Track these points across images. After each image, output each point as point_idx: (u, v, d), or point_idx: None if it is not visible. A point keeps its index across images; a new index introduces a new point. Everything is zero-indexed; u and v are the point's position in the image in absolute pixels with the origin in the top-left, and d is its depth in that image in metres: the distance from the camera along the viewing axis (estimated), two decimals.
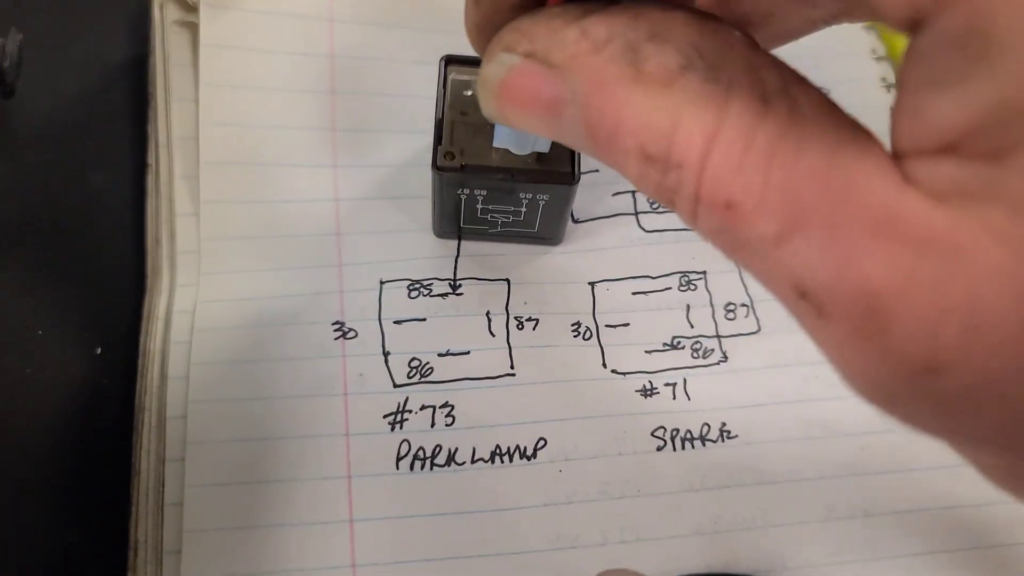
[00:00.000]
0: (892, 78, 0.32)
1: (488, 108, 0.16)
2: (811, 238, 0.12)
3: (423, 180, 0.25)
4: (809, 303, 0.13)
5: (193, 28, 0.28)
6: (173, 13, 0.29)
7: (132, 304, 0.27)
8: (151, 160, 0.28)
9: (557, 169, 0.24)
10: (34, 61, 0.28)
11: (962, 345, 0.11)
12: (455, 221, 0.26)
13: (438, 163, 0.24)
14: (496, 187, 0.24)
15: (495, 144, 0.24)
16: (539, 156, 0.24)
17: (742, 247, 0.13)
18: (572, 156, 0.24)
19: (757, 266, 0.13)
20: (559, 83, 0.15)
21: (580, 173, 0.24)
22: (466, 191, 0.25)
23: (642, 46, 0.14)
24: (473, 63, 0.25)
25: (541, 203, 0.25)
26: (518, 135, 0.23)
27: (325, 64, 0.29)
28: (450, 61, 0.25)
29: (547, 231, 0.27)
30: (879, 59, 0.32)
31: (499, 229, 0.27)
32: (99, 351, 0.27)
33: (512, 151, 0.24)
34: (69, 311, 0.27)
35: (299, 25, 0.29)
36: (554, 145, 0.24)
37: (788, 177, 0.13)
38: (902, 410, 0.13)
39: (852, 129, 0.13)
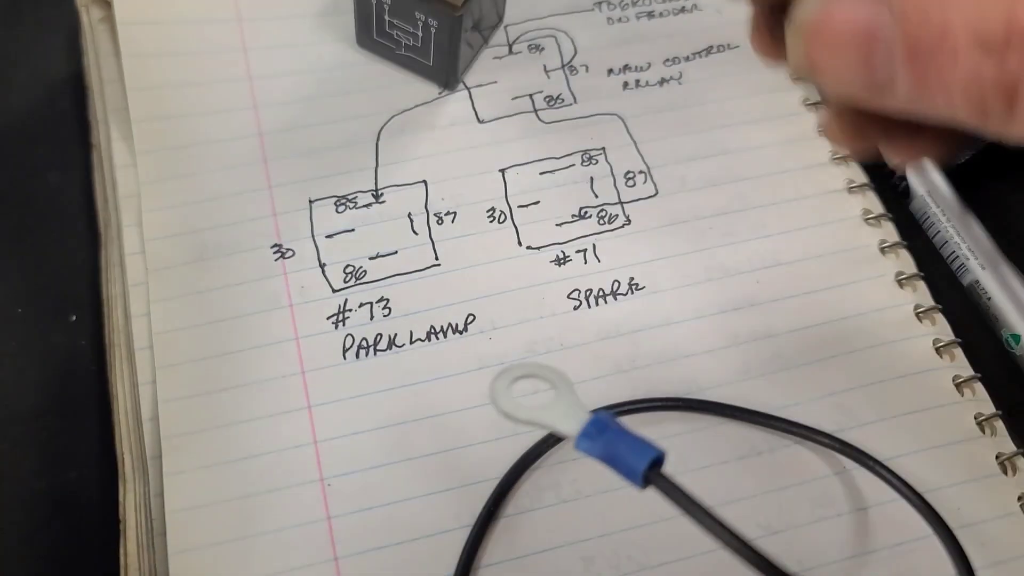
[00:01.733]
0: None
1: (799, 58, 0.16)
2: None
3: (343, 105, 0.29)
4: None
5: (112, 21, 0.31)
6: (97, 13, 0.32)
7: (94, 273, 0.30)
8: (95, 140, 0.30)
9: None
10: None
11: None
12: (369, 30, 0.30)
13: None
14: None
15: None
16: None
17: None
18: None
19: None
20: (873, 3, 0.15)
21: (470, 5, 0.28)
22: None
23: None
24: None
25: (432, 30, 0.29)
26: None
27: (234, 29, 0.32)
28: None
29: (440, 65, 0.30)
30: None
31: (403, 51, 0.30)
32: (73, 318, 0.29)
33: None
34: (42, 289, 0.30)
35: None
36: None
37: None
38: None
39: None
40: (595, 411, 0.19)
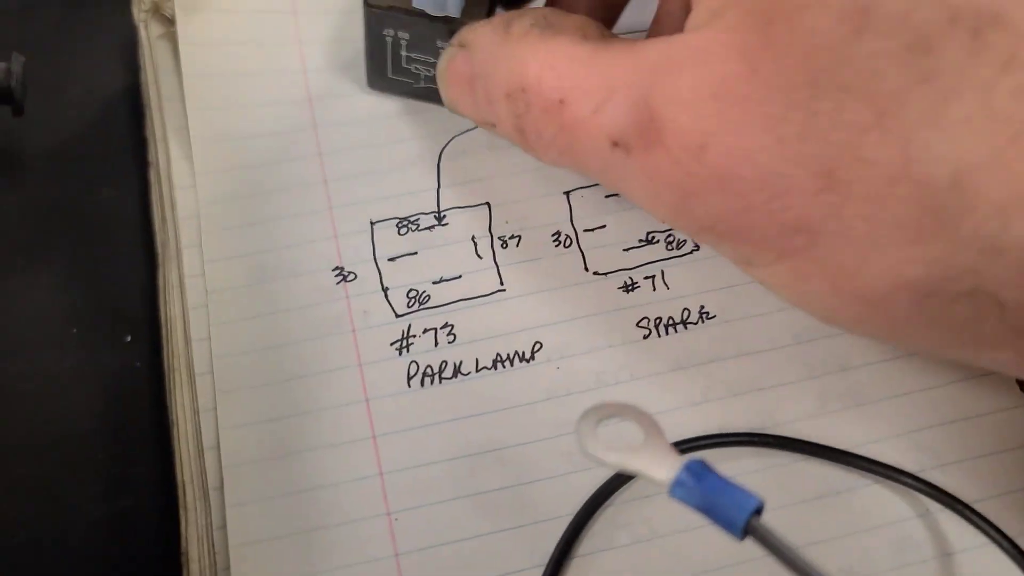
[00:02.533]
0: None
1: (443, 95, 0.25)
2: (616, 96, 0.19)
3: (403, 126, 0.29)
4: (620, 149, 0.19)
5: (174, 38, 0.31)
6: (156, 29, 0.31)
7: (150, 293, 0.29)
8: (151, 158, 0.30)
9: (471, 20, 0.27)
10: (38, 90, 0.30)
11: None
12: (383, 69, 0.29)
13: (369, 0, 0.27)
14: (416, 29, 0.27)
15: (414, 3, 0.27)
16: (449, 19, 0.27)
17: (573, 138, 0.20)
18: (488, 13, 0.27)
19: (582, 147, 0.21)
20: (469, 58, 0.23)
21: None
22: (391, 32, 0.27)
23: (512, 19, 0.22)
24: None
25: None
26: None
27: (295, 51, 0.31)
28: None
29: None
30: None
31: (422, 84, 0.29)
32: (128, 339, 0.29)
33: (427, 11, 0.27)
34: (97, 308, 0.29)
35: (266, 20, 0.32)
36: (464, 11, 0.27)
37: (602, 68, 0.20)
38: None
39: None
40: (686, 457, 0.19)
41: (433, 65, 0.28)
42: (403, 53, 0.28)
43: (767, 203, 0.18)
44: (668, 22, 0.24)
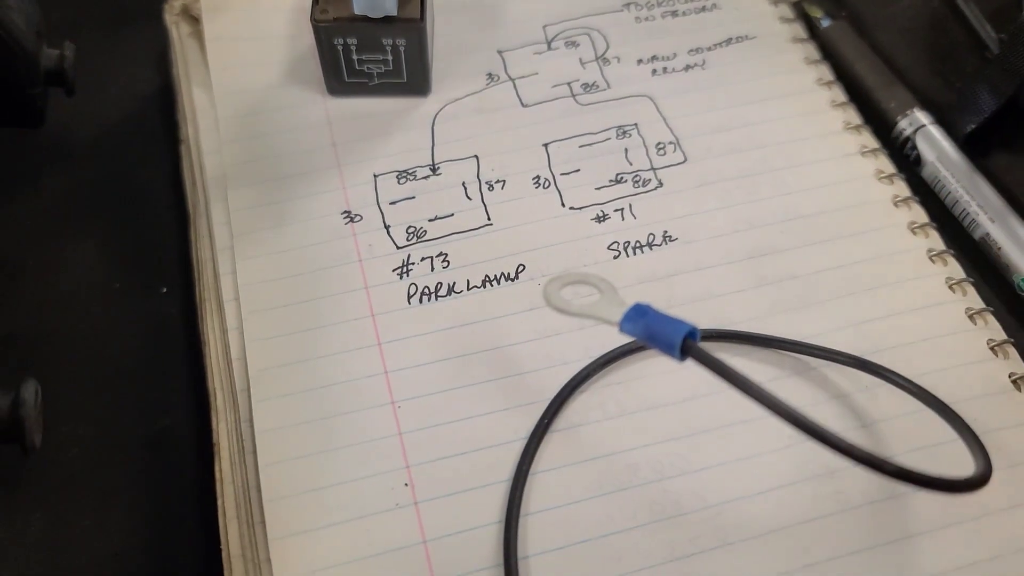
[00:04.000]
0: None
1: None
2: None
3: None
4: None
5: (200, 35, 0.36)
6: (185, 28, 0.37)
7: (181, 252, 0.34)
8: (182, 135, 0.35)
9: (407, 16, 0.32)
10: (85, 87, 0.34)
11: None
12: (340, 74, 0.33)
13: (315, 17, 0.32)
14: (362, 33, 0.32)
15: (356, 11, 0.31)
16: (389, 18, 0.31)
17: None
18: (421, 6, 0.32)
19: None
20: None
21: (428, 17, 0.32)
22: (340, 40, 0.32)
23: None
24: None
25: (402, 48, 0.32)
26: (371, 2, 0.31)
27: (305, 41, 0.36)
28: None
29: (414, 78, 0.34)
30: None
31: (376, 81, 0.34)
32: (164, 291, 0.33)
33: (368, 15, 0.31)
34: (136, 267, 0.34)
35: (280, 16, 0.37)
36: (400, 5, 0.31)
37: None
38: None
39: None
40: (632, 301, 0.22)
41: (384, 62, 0.33)
42: (354, 57, 0.33)
43: None
44: None
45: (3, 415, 0.22)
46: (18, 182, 0.36)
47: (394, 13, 0.31)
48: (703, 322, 0.28)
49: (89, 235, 0.35)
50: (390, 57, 0.33)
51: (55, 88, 0.33)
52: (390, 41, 0.32)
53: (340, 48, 0.33)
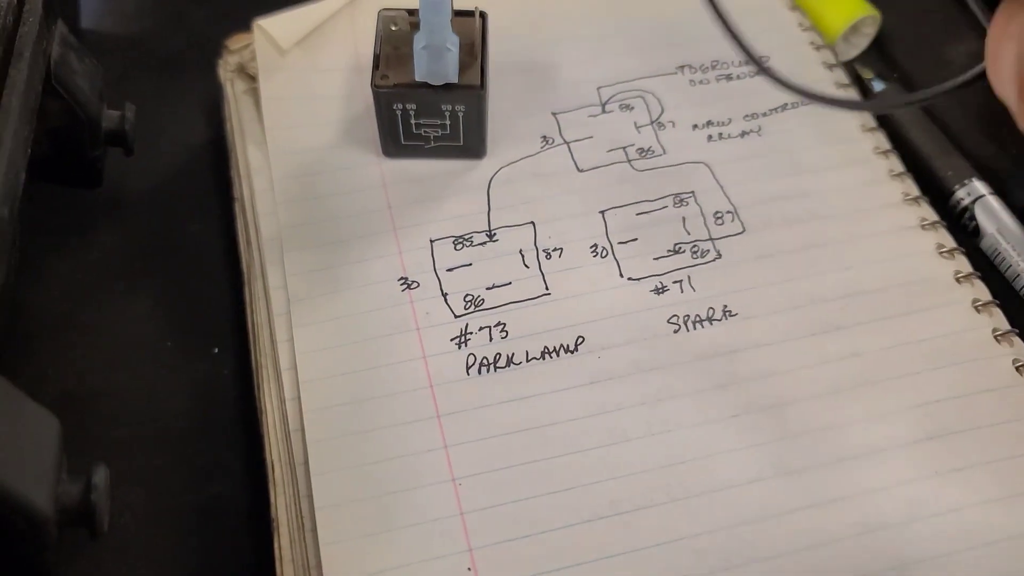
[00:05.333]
0: (819, 41, 0.38)
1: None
2: None
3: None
4: None
5: (256, 93, 0.36)
6: (240, 86, 0.37)
7: (234, 311, 0.33)
8: (236, 194, 0.35)
9: (468, 83, 0.32)
10: (137, 140, 0.34)
11: None
12: (397, 138, 0.34)
13: (376, 83, 0.32)
14: (422, 99, 0.32)
15: (417, 78, 0.31)
16: (449, 85, 0.32)
17: None
18: (481, 74, 0.32)
19: None
20: None
21: (487, 84, 0.32)
22: (400, 106, 0.32)
23: None
24: (404, 10, 0.32)
25: (460, 113, 0.32)
26: (432, 67, 0.31)
27: (360, 102, 0.36)
28: (385, 9, 0.33)
29: (471, 142, 0.34)
30: (805, 29, 0.38)
31: (433, 144, 0.34)
32: (216, 351, 0.33)
33: (429, 82, 0.31)
34: (188, 325, 0.34)
35: (336, 76, 0.37)
36: (461, 73, 0.31)
37: None
38: None
39: None
40: None
41: (441, 126, 0.33)
42: (412, 121, 0.33)
43: None
44: None
45: (74, 501, 0.21)
46: (68, 236, 0.36)
47: (455, 80, 0.31)
48: (766, 402, 0.28)
49: (140, 292, 0.35)
50: (448, 122, 0.33)
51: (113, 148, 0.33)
52: (449, 107, 0.32)
53: (399, 113, 0.33)
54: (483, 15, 0.33)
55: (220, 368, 0.33)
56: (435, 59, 0.31)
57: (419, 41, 0.30)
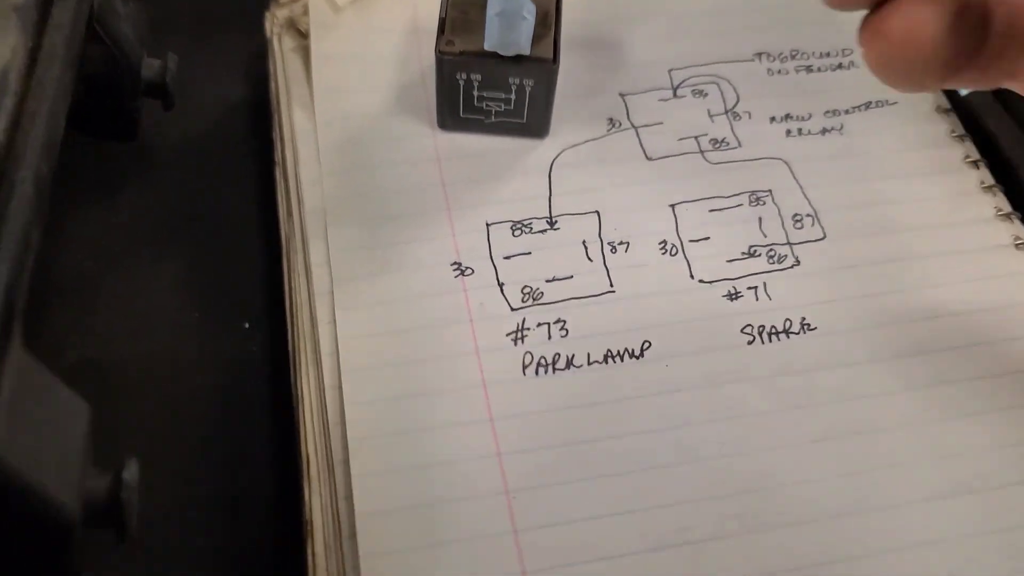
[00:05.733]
0: None
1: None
2: None
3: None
4: None
5: (305, 51, 0.33)
6: (289, 43, 0.34)
7: (267, 284, 0.31)
8: (277, 158, 0.32)
9: (540, 55, 0.29)
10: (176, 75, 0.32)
11: None
12: (455, 109, 0.31)
13: (440, 49, 0.29)
14: (489, 70, 0.29)
15: (486, 47, 0.28)
16: (519, 57, 0.29)
17: None
18: (553, 47, 0.29)
19: None
20: None
21: (559, 58, 0.29)
22: (463, 75, 0.29)
23: None
24: None
25: (528, 88, 0.30)
26: (504, 37, 0.28)
27: (416, 66, 0.33)
28: None
29: (535, 120, 0.31)
30: None
31: (493, 119, 0.31)
32: (247, 325, 0.31)
33: (499, 52, 0.28)
34: (218, 296, 0.31)
35: (392, 37, 0.34)
36: (533, 45, 0.28)
37: None
38: None
39: None
40: None
41: (506, 100, 0.30)
42: (475, 93, 0.30)
43: None
44: None
45: (100, 498, 0.19)
46: (95, 194, 0.33)
47: (527, 52, 0.29)
48: (849, 428, 0.26)
49: (169, 258, 0.32)
50: (513, 96, 0.30)
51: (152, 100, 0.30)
52: (517, 80, 0.30)
53: (462, 83, 0.30)
54: None
55: (250, 345, 0.30)
56: (509, 27, 0.28)
57: (493, 6, 0.27)
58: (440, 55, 0.29)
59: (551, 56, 0.29)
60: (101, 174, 0.33)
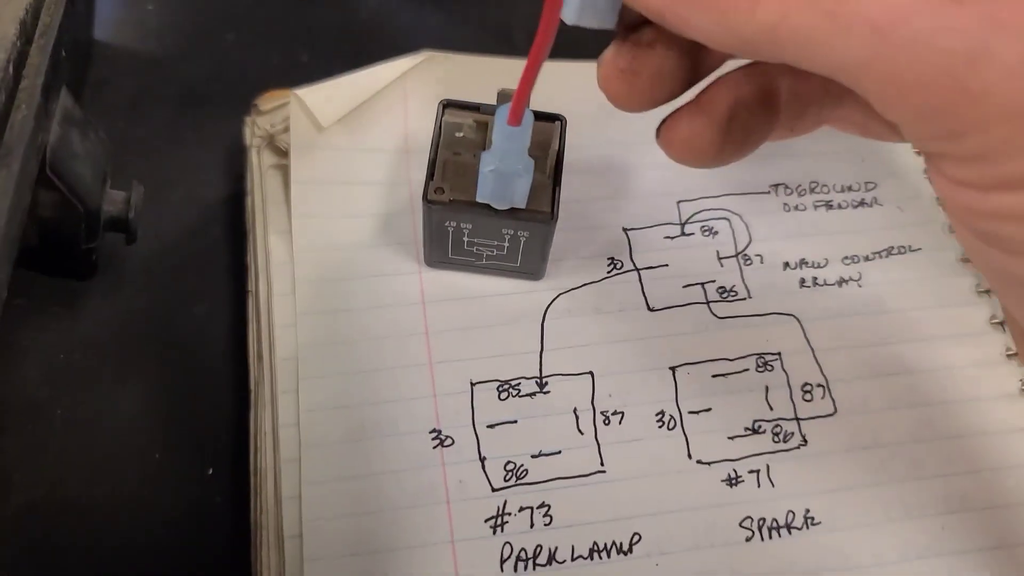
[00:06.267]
0: None
1: None
2: None
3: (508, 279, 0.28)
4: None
5: (285, 170, 0.31)
6: (268, 159, 0.31)
7: (235, 424, 0.29)
8: (251, 287, 0.30)
9: (538, 209, 0.26)
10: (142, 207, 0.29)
11: None
12: (444, 252, 0.29)
13: (428, 197, 0.26)
14: (480, 221, 0.27)
15: (478, 199, 0.26)
16: (514, 209, 0.26)
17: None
18: (552, 201, 0.27)
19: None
20: None
21: (558, 213, 0.26)
22: (453, 223, 0.27)
23: None
24: (468, 108, 0.27)
25: (522, 239, 0.27)
26: (499, 192, 0.25)
27: (405, 190, 0.31)
28: (447, 105, 0.28)
29: (529, 266, 0.29)
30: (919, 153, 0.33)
31: (484, 261, 0.29)
32: (210, 471, 0.28)
33: (492, 205, 0.26)
34: (181, 434, 0.29)
35: (379, 158, 0.32)
36: (531, 196, 0.26)
37: None
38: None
39: None
40: None
41: (497, 247, 0.28)
42: (465, 239, 0.28)
43: None
44: None
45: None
46: (52, 304, 0.31)
47: (522, 207, 0.26)
48: None
49: (131, 383, 0.30)
50: (507, 244, 0.28)
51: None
52: (511, 232, 0.27)
53: (451, 229, 0.28)
54: (563, 121, 0.28)
55: (213, 494, 0.28)
56: (503, 184, 0.25)
57: (487, 163, 0.25)
58: (428, 203, 0.27)
59: (549, 210, 0.27)
60: (59, 283, 0.31)
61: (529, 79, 0.21)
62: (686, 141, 0.21)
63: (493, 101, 0.27)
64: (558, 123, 0.28)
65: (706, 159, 0.21)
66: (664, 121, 0.22)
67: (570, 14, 0.20)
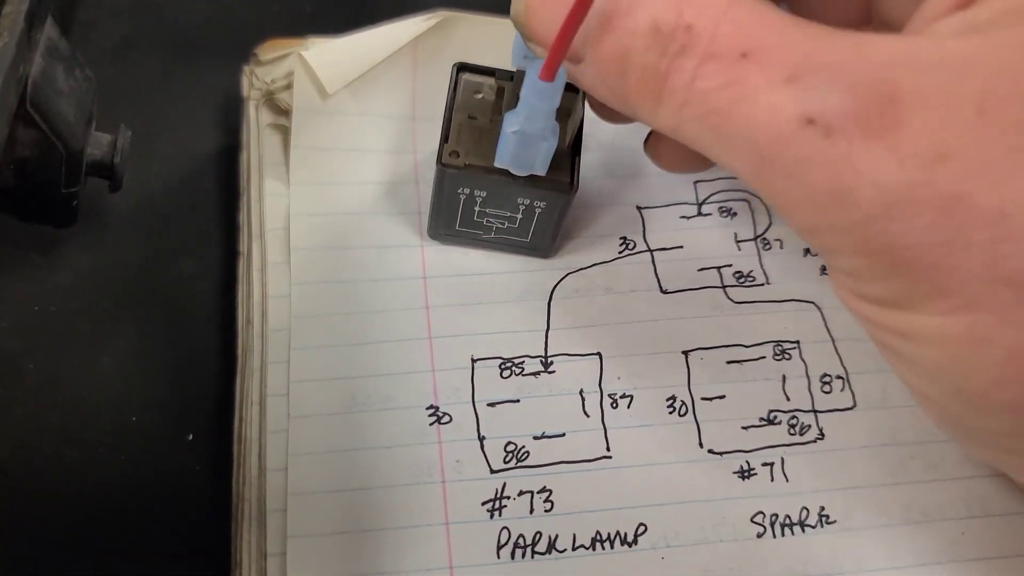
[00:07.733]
0: None
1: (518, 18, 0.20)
2: (820, 74, 0.16)
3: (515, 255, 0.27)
4: (815, 127, 0.16)
5: (284, 131, 0.29)
6: (267, 116, 0.29)
7: (219, 390, 0.27)
8: (242, 248, 0.28)
9: (557, 178, 0.25)
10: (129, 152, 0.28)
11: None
12: (451, 222, 0.27)
13: (442, 160, 0.25)
14: (496, 188, 0.25)
15: (496, 164, 0.24)
16: (533, 177, 0.25)
17: (742, 98, 0.16)
18: (572, 170, 0.25)
19: (751, 112, 0.16)
20: None
21: (578, 184, 0.25)
22: (466, 190, 0.25)
23: None
24: (483, 72, 0.26)
25: (537, 210, 0.26)
26: (520, 157, 0.24)
27: (409, 159, 0.29)
28: (462, 68, 0.26)
29: (539, 241, 0.27)
30: None
31: (492, 235, 0.27)
32: (190, 437, 0.27)
33: (511, 171, 0.24)
34: (160, 397, 0.27)
35: (384, 124, 0.30)
36: (552, 166, 0.24)
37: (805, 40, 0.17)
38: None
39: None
40: None
41: (510, 219, 0.26)
42: (476, 208, 0.26)
43: (993, 245, 0.15)
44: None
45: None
46: (30, 252, 0.29)
47: (543, 174, 0.25)
48: None
49: (110, 341, 0.28)
50: (520, 216, 0.26)
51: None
52: (527, 201, 0.26)
53: (462, 198, 0.26)
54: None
55: (192, 462, 0.27)
56: (525, 148, 0.24)
57: (510, 123, 0.23)
58: (442, 166, 0.25)
59: (569, 179, 0.25)
60: (39, 229, 0.29)
61: (573, 23, 0.19)
62: (669, 155, 0.24)
63: (509, 66, 0.25)
64: (580, 92, 0.26)
65: (695, 168, 0.24)
66: (648, 137, 0.24)
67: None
